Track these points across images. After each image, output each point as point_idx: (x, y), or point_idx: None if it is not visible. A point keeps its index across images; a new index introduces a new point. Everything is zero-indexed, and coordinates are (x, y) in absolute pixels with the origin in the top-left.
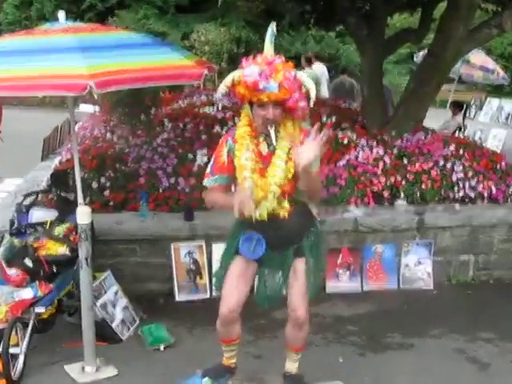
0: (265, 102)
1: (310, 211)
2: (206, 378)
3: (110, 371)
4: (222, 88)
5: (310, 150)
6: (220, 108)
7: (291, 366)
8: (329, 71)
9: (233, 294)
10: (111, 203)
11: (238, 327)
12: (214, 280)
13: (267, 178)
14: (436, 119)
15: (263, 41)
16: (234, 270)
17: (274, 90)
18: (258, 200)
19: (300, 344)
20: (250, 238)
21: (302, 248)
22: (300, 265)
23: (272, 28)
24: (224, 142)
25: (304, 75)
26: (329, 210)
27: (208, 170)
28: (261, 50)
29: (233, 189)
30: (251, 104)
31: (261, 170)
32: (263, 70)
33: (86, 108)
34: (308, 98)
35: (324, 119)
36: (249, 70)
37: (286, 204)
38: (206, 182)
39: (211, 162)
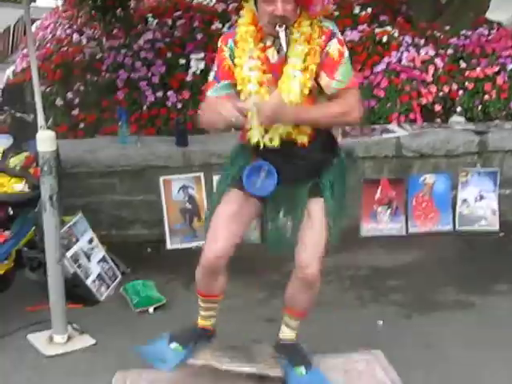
0: None
1: (333, 136)
2: (175, 344)
3: (85, 341)
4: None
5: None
6: None
7: (288, 334)
8: None
9: (221, 236)
10: (81, 125)
11: (222, 280)
12: (205, 215)
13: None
14: (504, 8)
15: None
16: (227, 206)
17: None
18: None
19: (303, 307)
20: (257, 168)
21: (321, 185)
22: (317, 207)
23: None
24: (223, 45)
25: None
26: (363, 130)
27: (210, 77)
28: None
29: None
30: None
31: (269, 82)
32: None
33: (44, 2)
34: None
35: (356, 10)
36: None
37: (305, 128)
38: (211, 92)
39: (214, 68)
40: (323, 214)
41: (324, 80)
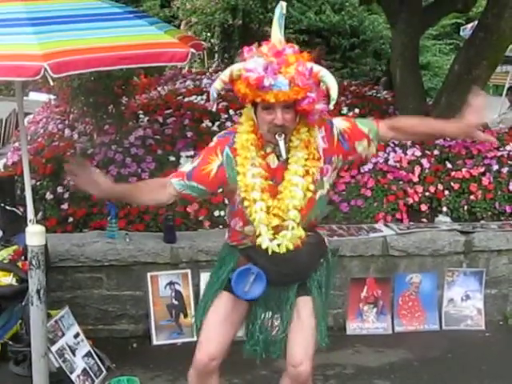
0: (272, 104)
1: (322, 238)
2: None
3: None
4: (218, 84)
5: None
6: (215, 109)
7: None
8: None
9: (214, 339)
10: (70, 219)
11: (215, 382)
12: (193, 319)
13: (282, 200)
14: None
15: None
16: (218, 309)
17: (284, 87)
18: (272, 229)
19: None
20: (245, 273)
21: (309, 285)
22: (306, 307)
23: (281, 7)
24: (219, 150)
25: (323, 69)
26: (350, 229)
27: (184, 168)
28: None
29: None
30: (255, 106)
31: (270, 187)
32: (270, 62)
33: (37, 96)
34: (328, 97)
35: (344, 111)
36: (251, 63)
37: (301, 231)
38: (176, 181)
39: (193, 163)
40: (312, 313)
41: (363, 143)
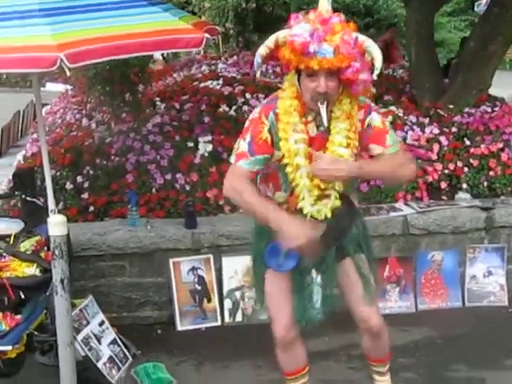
0: (315, 71)
1: (353, 202)
2: None
3: None
4: (263, 49)
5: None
6: (258, 76)
7: (381, 380)
8: None
9: (282, 311)
10: (91, 209)
11: (301, 350)
12: (254, 298)
13: None
14: (506, 86)
15: None
16: (272, 284)
17: (328, 55)
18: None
19: (385, 353)
20: (277, 246)
21: (347, 246)
22: (350, 267)
23: None
24: (264, 116)
25: (368, 39)
26: (370, 209)
27: (244, 147)
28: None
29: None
30: (299, 73)
31: (310, 155)
32: (316, 29)
33: (53, 87)
34: (371, 68)
35: None
36: (298, 29)
37: (336, 200)
38: (243, 163)
39: (247, 139)
40: (356, 272)
41: (377, 150)
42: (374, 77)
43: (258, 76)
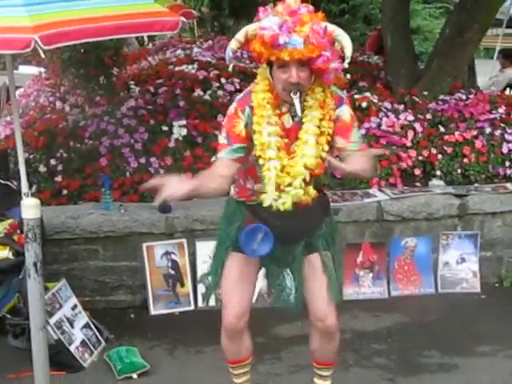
0: (287, 62)
1: (327, 197)
2: None
3: None
4: (234, 44)
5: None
6: (231, 69)
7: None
8: None
9: (236, 299)
10: (65, 192)
11: (248, 341)
12: (206, 284)
13: (295, 159)
14: (480, 74)
15: None
16: (234, 269)
17: (299, 45)
18: (282, 186)
19: (332, 357)
20: (253, 231)
21: (315, 242)
22: (316, 262)
23: None
24: (240, 111)
25: (338, 29)
26: (344, 195)
27: (222, 140)
28: None
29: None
30: (270, 65)
31: (286, 145)
32: (284, 21)
33: (27, 69)
34: (342, 57)
35: None
36: (267, 22)
37: (311, 189)
38: (224, 153)
39: (223, 134)
40: (322, 269)
41: (340, 143)
42: (346, 65)
43: (231, 69)
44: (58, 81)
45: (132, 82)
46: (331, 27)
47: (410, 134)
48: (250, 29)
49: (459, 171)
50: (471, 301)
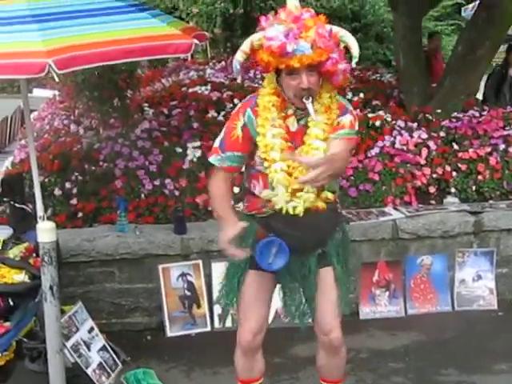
0: (296, 69)
1: (338, 206)
2: None
3: None
4: (240, 55)
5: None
6: (239, 81)
7: None
8: None
9: (253, 315)
10: (80, 215)
11: (261, 360)
12: (223, 305)
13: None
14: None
15: None
16: (250, 287)
17: (307, 51)
18: (291, 191)
19: (339, 373)
20: (268, 244)
21: (328, 253)
22: (328, 276)
23: None
24: (241, 113)
25: (342, 30)
26: (359, 213)
27: (217, 143)
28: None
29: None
30: (278, 73)
31: (290, 149)
32: (290, 28)
33: (41, 93)
34: (348, 57)
35: (349, 96)
36: (272, 31)
37: (328, 194)
38: (213, 159)
39: (221, 135)
40: (334, 282)
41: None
42: (353, 65)
43: (240, 81)
44: (72, 104)
45: (146, 104)
46: (336, 29)
47: (424, 151)
48: (254, 39)
49: (474, 188)
50: (488, 318)
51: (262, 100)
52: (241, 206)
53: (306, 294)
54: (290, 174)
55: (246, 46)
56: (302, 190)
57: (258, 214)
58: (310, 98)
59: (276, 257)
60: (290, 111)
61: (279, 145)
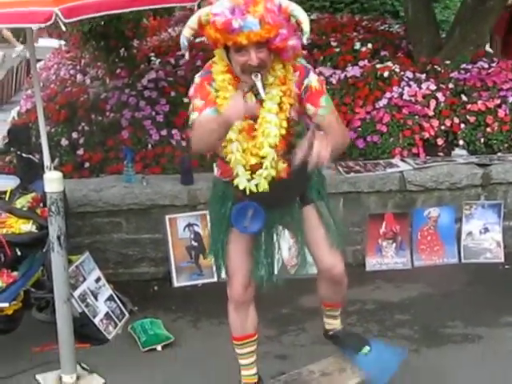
0: (244, 45)
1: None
2: None
3: (95, 380)
4: (187, 31)
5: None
6: (187, 57)
7: (334, 323)
8: None
9: (241, 268)
10: (87, 165)
11: (254, 315)
12: (211, 258)
13: (258, 139)
14: None
15: None
16: (236, 242)
17: (255, 27)
18: (250, 168)
19: (341, 298)
20: (243, 208)
21: (308, 194)
22: (311, 214)
23: None
24: (207, 85)
25: (292, 4)
26: (367, 165)
27: (201, 104)
28: None
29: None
30: (227, 48)
31: (249, 127)
32: (237, 4)
33: (47, 42)
34: (300, 32)
35: (357, 46)
36: (218, 7)
37: (282, 164)
38: (209, 111)
39: (197, 100)
40: (319, 217)
41: (311, 110)
42: (304, 41)
43: (187, 57)
44: (78, 54)
45: (152, 54)
46: (285, 3)
47: (433, 103)
48: (202, 14)
49: (482, 140)
50: (495, 270)
51: (217, 78)
52: (215, 170)
53: (297, 239)
54: (245, 153)
55: (193, 21)
56: (261, 167)
57: (232, 181)
58: (259, 75)
59: (252, 220)
60: (246, 88)
61: (237, 125)
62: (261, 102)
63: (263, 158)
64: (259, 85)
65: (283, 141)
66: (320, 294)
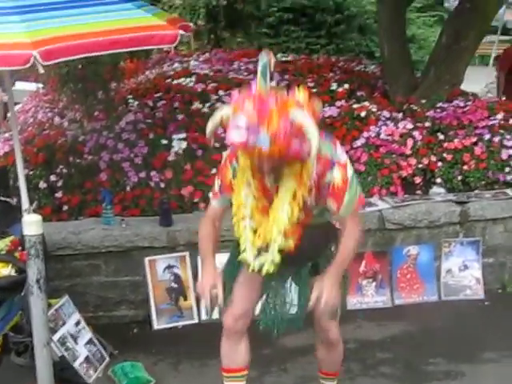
0: (257, 158)
1: (330, 225)
2: None
3: None
4: (211, 126)
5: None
6: (212, 144)
7: None
8: None
9: (237, 301)
10: (65, 207)
11: (245, 350)
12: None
13: (269, 223)
14: (477, 80)
15: None
16: (239, 278)
17: (265, 145)
18: (257, 248)
19: (336, 367)
20: None
21: (320, 263)
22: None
23: (264, 55)
24: (228, 163)
25: (306, 122)
26: None
27: (216, 188)
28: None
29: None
30: None
31: (264, 208)
32: (252, 122)
33: (24, 85)
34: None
35: (333, 87)
36: (235, 121)
37: (291, 242)
38: (215, 202)
39: (218, 181)
40: None
41: (332, 207)
42: (313, 155)
43: (212, 145)
44: (56, 96)
45: (130, 96)
46: (299, 121)
47: (410, 142)
48: (224, 115)
49: (459, 178)
50: (475, 307)
51: (240, 160)
52: None
53: (300, 301)
54: (255, 233)
55: (215, 119)
56: (266, 249)
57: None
58: (272, 175)
59: None
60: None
61: (250, 204)
62: (277, 187)
63: (269, 242)
64: (271, 180)
65: (297, 225)
66: (318, 359)
